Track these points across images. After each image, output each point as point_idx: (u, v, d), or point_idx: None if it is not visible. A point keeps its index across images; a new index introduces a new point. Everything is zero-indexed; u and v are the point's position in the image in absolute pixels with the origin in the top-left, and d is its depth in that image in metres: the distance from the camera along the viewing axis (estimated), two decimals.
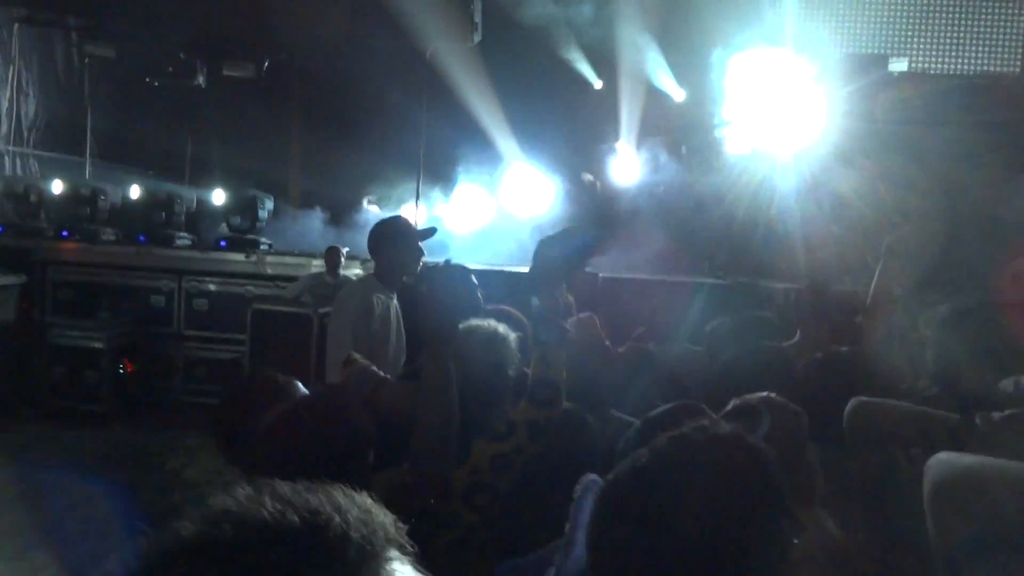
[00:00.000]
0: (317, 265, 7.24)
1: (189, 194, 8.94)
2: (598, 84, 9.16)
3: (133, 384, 7.20)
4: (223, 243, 7.91)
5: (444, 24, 7.77)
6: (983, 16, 7.57)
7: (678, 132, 8.16)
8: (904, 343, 2.86)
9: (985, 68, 7.40)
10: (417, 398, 1.78)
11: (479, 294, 3.28)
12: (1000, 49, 7.52)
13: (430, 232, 3.60)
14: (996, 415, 1.78)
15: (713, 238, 6.27)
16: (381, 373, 2.05)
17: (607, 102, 8.58)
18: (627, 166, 8.26)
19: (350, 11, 7.93)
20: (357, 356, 2.11)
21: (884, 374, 2.44)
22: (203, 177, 9.54)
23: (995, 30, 7.53)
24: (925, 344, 2.50)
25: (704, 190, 6.84)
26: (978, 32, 7.55)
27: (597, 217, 7.67)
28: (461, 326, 1.90)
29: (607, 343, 2.87)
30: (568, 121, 8.78)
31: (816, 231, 5.15)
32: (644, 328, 3.32)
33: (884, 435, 1.90)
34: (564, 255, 2.41)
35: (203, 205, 8.80)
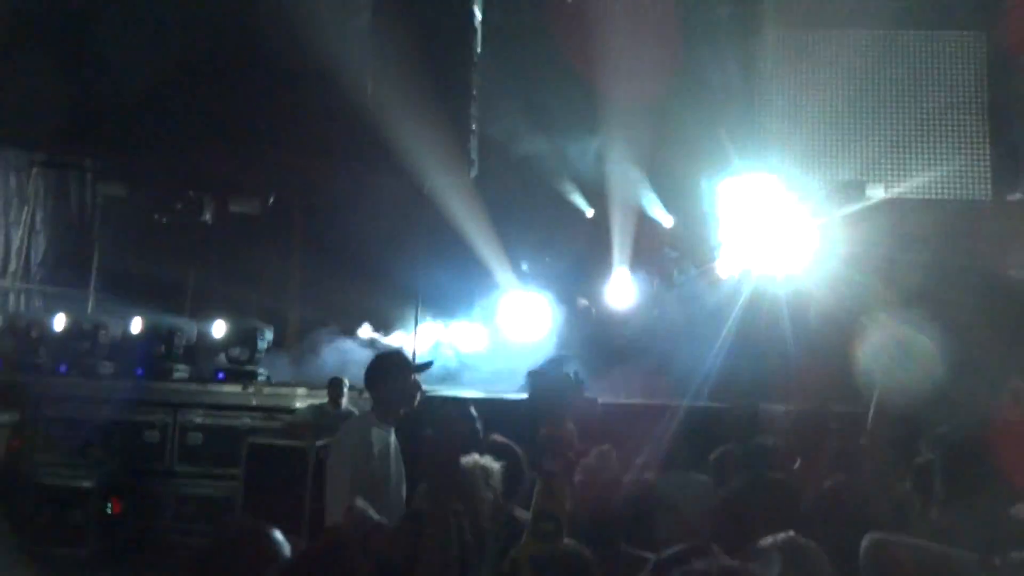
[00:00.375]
0: (302, 393, 7.23)
1: (190, 326, 9.00)
2: (590, 213, 9.51)
3: (120, 525, 6.93)
4: (220, 375, 7.88)
5: (442, 160, 8.17)
6: (952, 145, 8.03)
7: (670, 256, 8.40)
8: (908, 466, 2.81)
9: (957, 194, 7.75)
10: (412, 542, 1.73)
11: (478, 427, 3.27)
12: (970, 176, 7.92)
13: (426, 366, 3.63)
14: (1016, 555, 1.73)
15: (710, 361, 6.30)
16: (376, 517, 2.01)
17: (600, 229, 8.88)
18: (622, 291, 8.43)
19: (351, 150, 8.35)
20: (359, 504, 2.07)
21: (893, 503, 2.39)
22: (204, 309, 9.64)
23: (964, 158, 7.96)
24: (931, 468, 2.47)
25: (698, 312, 6.94)
26: (948, 161, 7.99)
27: (594, 342, 7.72)
28: None
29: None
30: (562, 249, 9.04)
31: (808, 353, 5.19)
32: (645, 457, 3.27)
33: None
34: (562, 384, 2.43)
35: (203, 337, 8.82)
